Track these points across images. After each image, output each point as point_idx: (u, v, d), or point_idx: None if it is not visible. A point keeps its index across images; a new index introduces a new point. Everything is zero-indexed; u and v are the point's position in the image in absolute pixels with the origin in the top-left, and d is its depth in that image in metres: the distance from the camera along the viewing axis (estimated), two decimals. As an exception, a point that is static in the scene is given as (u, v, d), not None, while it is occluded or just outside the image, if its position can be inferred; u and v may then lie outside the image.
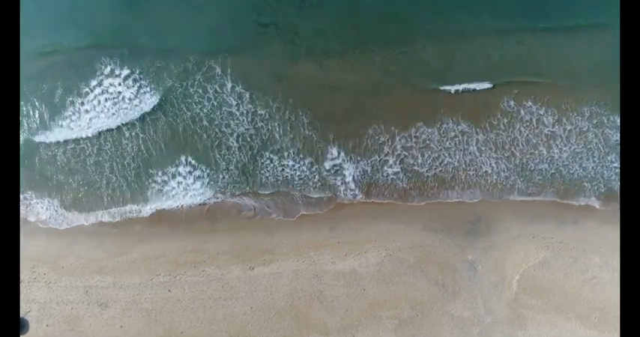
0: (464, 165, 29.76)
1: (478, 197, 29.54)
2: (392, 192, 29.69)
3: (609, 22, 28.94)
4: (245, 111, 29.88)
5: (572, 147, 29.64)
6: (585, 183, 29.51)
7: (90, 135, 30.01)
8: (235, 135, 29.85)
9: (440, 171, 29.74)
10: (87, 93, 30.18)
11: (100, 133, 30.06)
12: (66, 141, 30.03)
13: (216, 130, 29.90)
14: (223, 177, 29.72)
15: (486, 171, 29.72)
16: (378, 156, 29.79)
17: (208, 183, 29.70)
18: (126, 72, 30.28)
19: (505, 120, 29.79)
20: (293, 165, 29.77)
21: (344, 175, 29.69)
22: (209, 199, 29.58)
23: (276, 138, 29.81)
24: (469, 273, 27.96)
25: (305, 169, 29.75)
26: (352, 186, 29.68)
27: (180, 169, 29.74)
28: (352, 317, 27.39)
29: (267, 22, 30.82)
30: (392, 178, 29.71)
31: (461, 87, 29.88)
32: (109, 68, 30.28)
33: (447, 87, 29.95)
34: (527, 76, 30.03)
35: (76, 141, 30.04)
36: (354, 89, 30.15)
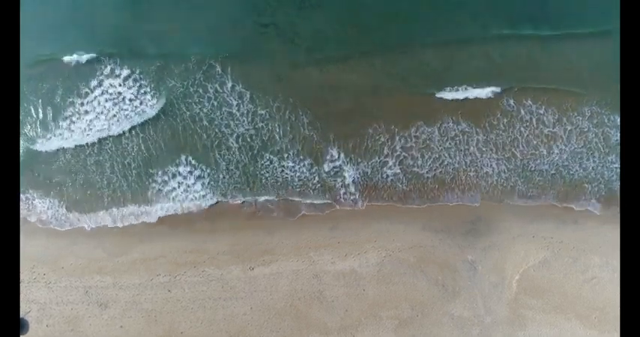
0: (464, 166, 29.70)
1: (478, 200, 29.42)
2: (392, 194, 29.62)
3: (610, 29, 29.04)
4: (245, 111, 29.87)
5: (573, 147, 29.60)
6: (586, 185, 29.48)
7: (90, 141, 30.09)
8: (235, 135, 29.83)
9: (440, 172, 29.65)
10: (87, 94, 30.19)
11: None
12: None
13: (216, 130, 29.89)
14: (224, 177, 29.70)
15: (487, 172, 29.66)
16: (378, 158, 29.72)
17: (209, 183, 29.68)
18: (126, 72, 30.27)
19: (505, 120, 29.76)
20: (293, 167, 29.71)
21: (344, 177, 29.63)
22: (211, 205, 29.68)
23: (276, 138, 29.78)
24: (469, 273, 27.96)
25: (305, 170, 29.69)
26: (352, 189, 29.59)
27: (181, 169, 29.72)
28: (352, 317, 27.39)
29: (267, 23, 30.81)
30: (392, 180, 29.64)
31: (460, 95, 29.84)
32: (109, 68, 30.29)
33: (446, 95, 29.92)
34: (529, 82, 30.00)
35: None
36: (353, 89, 30.14)
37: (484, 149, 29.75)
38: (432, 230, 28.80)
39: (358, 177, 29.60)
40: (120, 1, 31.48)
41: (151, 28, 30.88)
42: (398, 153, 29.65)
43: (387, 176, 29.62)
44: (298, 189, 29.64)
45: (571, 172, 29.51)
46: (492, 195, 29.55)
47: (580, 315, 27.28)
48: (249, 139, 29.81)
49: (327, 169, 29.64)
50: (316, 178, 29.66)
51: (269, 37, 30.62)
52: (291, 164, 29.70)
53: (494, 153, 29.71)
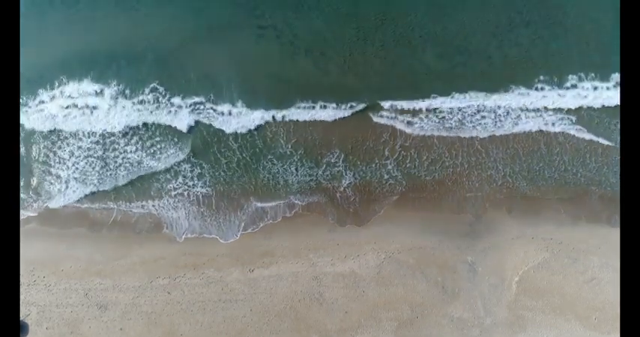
0: (466, 167, 29.72)
1: (482, 205, 29.44)
2: (390, 200, 29.61)
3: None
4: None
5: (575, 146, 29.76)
6: (593, 187, 29.55)
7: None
8: (234, 137, 29.84)
9: (439, 175, 29.64)
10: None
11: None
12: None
13: (215, 130, 29.94)
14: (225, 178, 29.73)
15: (490, 175, 29.66)
16: (378, 161, 29.68)
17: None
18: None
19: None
20: (293, 171, 29.62)
21: (341, 182, 29.57)
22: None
23: (278, 141, 29.78)
24: (469, 275, 27.98)
25: (304, 174, 29.63)
26: (351, 196, 29.58)
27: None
28: (352, 319, 27.39)
29: (266, 25, 30.85)
30: (391, 183, 29.59)
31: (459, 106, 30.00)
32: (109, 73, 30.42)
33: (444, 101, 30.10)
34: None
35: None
36: (354, 89, 30.15)
37: (491, 147, 29.78)
38: (431, 231, 28.83)
39: (357, 182, 29.52)
40: (118, 9, 31.52)
41: (149, 33, 30.90)
42: (396, 155, 29.57)
43: (387, 180, 29.51)
44: (295, 191, 29.60)
45: (577, 176, 29.55)
46: (495, 199, 29.52)
47: (580, 316, 27.30)
48: (249, 138, 29.81)
49: (326, 173, 29.57)
50: (313, 182, 29.59)
51: (268, 38, 30.64)
52: (293, 168, 29.64)
53: (501, 152, 29.74)
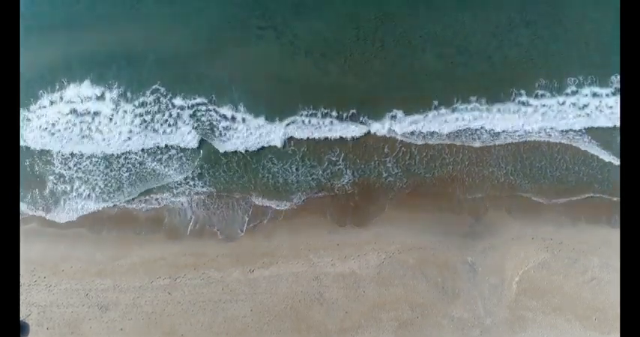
0: (467, 164, 29.69)
1: (483, 205, 29.38)
2: (391, 199, 29.58)
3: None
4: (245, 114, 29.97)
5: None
6: (596, 185, 29.52)
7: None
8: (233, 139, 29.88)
9: (439, 172, 29.60)
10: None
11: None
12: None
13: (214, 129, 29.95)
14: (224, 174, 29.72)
15: (492, 172, 29.62)
16: (377, 158, 29.66)
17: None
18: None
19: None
20: (294, 171, 29.60)
21: (341, 180, 29.51)
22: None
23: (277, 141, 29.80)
24: (469, 275, 27.96)
25: (305, 173, 29.60)
26: (351, 196, 29.52)
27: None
28: (352, 319, 27.35)
29: (266, 25, 30.87)
30: (390, 181, 29.57)
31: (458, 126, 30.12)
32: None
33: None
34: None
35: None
36: (354, 89, 30.14)
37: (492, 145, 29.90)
38: (431, 232, 28.80)
39: (357, 178, 29.47)
40: (118, 9, 31.58)
41: (148, 33, 30.96)
42: (396, 152, 29.54)
43: (386, 178, 29.48)
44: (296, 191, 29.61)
45: (580, 175, 29.51)
46: (496, 200, 29.43)
47: (580, 316, 27.28)
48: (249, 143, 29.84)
49: (326, 171, 29.55)
50: (313, 181, 29.58)
51: (268, 39, 30.67)
52: (294, 168, 29.62)
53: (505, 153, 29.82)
